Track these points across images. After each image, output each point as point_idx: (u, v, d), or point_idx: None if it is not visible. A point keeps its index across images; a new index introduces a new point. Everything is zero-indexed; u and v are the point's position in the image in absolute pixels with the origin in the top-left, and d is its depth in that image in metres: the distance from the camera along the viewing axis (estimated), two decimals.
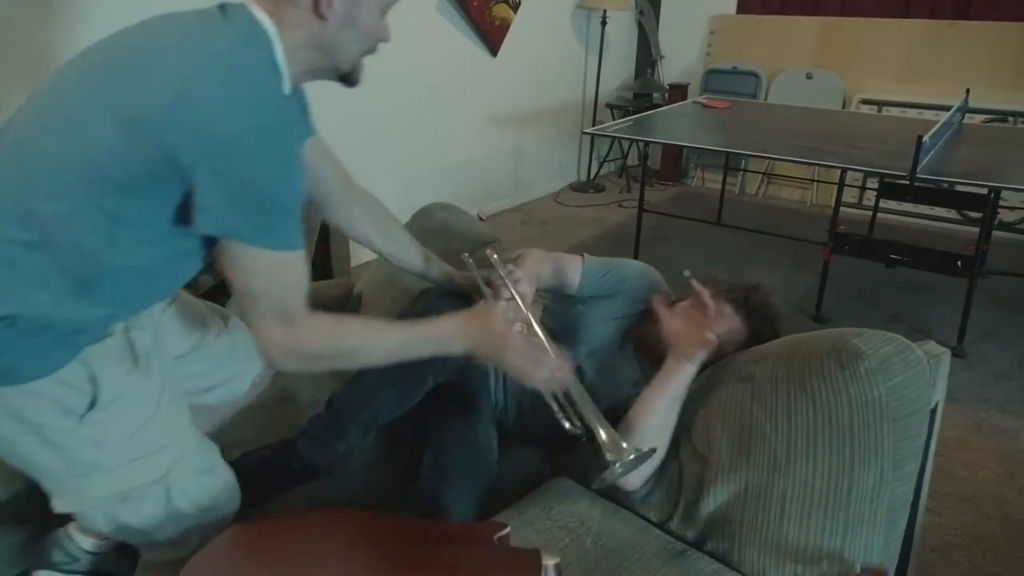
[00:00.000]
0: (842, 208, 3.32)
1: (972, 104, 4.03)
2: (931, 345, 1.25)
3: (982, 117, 4.34)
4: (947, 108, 3.84)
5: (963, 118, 3.94)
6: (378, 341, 1.15)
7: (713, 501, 1.28)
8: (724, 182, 4.49)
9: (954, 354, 3.02)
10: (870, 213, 4.03)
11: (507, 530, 1.11)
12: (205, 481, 1.21)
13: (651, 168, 5.40)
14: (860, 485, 1.15)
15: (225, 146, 0.92)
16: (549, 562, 1.01)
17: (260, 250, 0.98)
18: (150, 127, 0.93)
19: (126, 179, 0.95)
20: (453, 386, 1.50)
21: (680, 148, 5.25)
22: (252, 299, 1.02)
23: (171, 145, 0.92)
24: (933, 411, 1.21)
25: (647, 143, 3.66)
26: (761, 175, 5.18)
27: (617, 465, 1.22)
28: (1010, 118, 4.34)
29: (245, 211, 0.96)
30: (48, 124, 0.99)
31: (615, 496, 1.39)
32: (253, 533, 1.11)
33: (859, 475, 1.15)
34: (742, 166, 5.17)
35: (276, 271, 1.01)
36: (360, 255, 3.10)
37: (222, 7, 1.02)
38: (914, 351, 1.19)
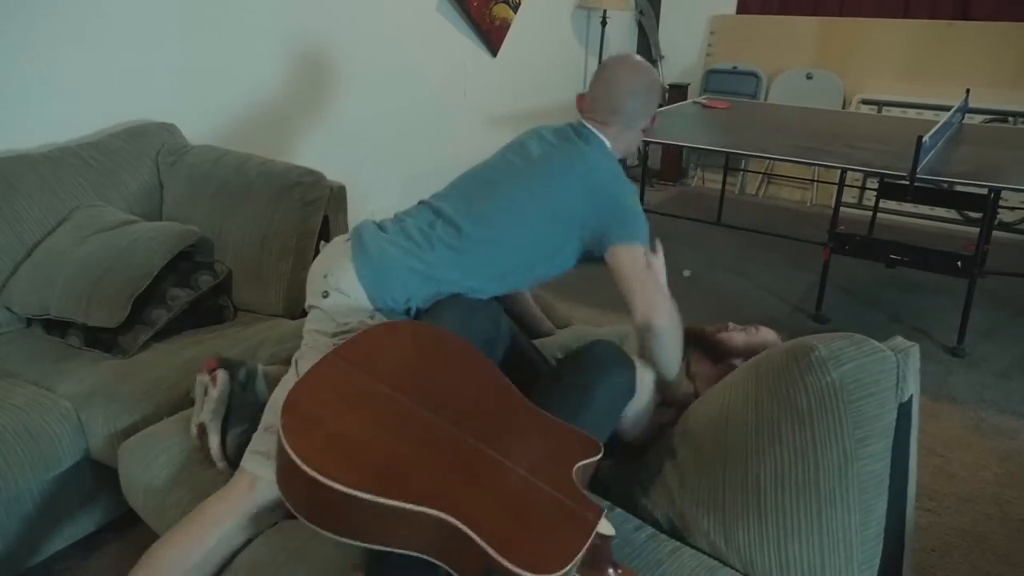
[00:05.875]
0: (842, 208, 3.32)
1: (972, 104, 4.03)
2: (898, 340, 1.30)
3: (982, 117, 4.34)
4: (947, 108, 3.85)
5: (963, 118, 3.94)
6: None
7: (699, 495, 1.33)
8: (724, 182, 4.49)
9: (954, 354, 3.02)
10: (870, 213, 4.03)
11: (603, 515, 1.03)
12: None
13: (651, 168, 5.40)
14: (826, 464, 1.21)
15: (616, 201, 1.54)
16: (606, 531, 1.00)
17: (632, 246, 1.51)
18: (572, 206, 1.53)
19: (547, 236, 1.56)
20: None
21: (680, 148, 5.26)
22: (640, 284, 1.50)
23: (585, 217, 1.53)
24: (907, 404, 1.25)
25: (647, 143, 3.66)
26: (761, 175, 5.19)
27: None
28: (1010, 118, 4.34)
29: (623, 229, 1.52)
30: (491, 201, 1.56)
31: (607, 494, 1.43)
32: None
33: (823, 455, 1.22)
34: (742, 166, 5.18)
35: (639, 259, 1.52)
36: None
37: (575, 129, 1.63)
38: (869, 342, 1.26)
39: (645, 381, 1.47)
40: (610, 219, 1.52)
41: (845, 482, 1.21)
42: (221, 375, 1.50)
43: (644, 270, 1.49)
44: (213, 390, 1.48)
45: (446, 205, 1.59)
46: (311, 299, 1.53)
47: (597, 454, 1.07)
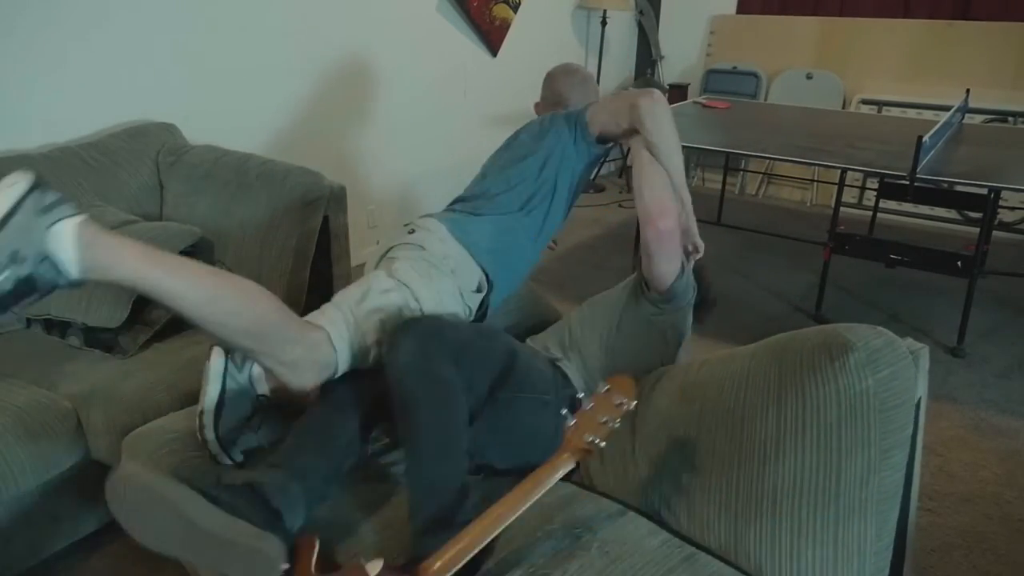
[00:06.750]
0: (842, 208, 3.32)
1: (972, 104, 4.03)
2: (910, 341, 1.26)
3: (982, 117, 4.34)
4: (947, 108, 3.84)
5: (963, 118, 3.94)
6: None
7: (710, 494, 1.29)
8: (724, 182, 4.49)
9: (954, 354, 3.02)
10: (870, 213, 4.03)
11: (317, 546, 1.13)
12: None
13: None
14: (848, 475, 1.17)
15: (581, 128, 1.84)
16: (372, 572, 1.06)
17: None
18: (552, 136, 1.84)
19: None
20: None
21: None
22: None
23: (562, 132, 1.84)
24: (917, 405, 1.22)
25: None
26: (761, 175, 5.19)
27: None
28: (1010, 118, 4.34)
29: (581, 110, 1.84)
30: (508, 179, 1.80)
31: (623, 497, 1.39)
32: None
33: (846, 466, 1.17)
34: (742, 166, 5.18)
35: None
36: (360, 255, 3.10)
37: (541, 120, 1.93)
38: (901, 345, 1.22)
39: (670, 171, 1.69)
40: (571, 116, 1.85)
41: (865, 493, 1.16)
42: (215, 350, 1.48)
43: (610, 99, 1.82)
44: (208, 364, 1.47)
45: (468, 207, 1.78)
46: (392, 241, 1.66)
47: (315, 546, 1.14)
